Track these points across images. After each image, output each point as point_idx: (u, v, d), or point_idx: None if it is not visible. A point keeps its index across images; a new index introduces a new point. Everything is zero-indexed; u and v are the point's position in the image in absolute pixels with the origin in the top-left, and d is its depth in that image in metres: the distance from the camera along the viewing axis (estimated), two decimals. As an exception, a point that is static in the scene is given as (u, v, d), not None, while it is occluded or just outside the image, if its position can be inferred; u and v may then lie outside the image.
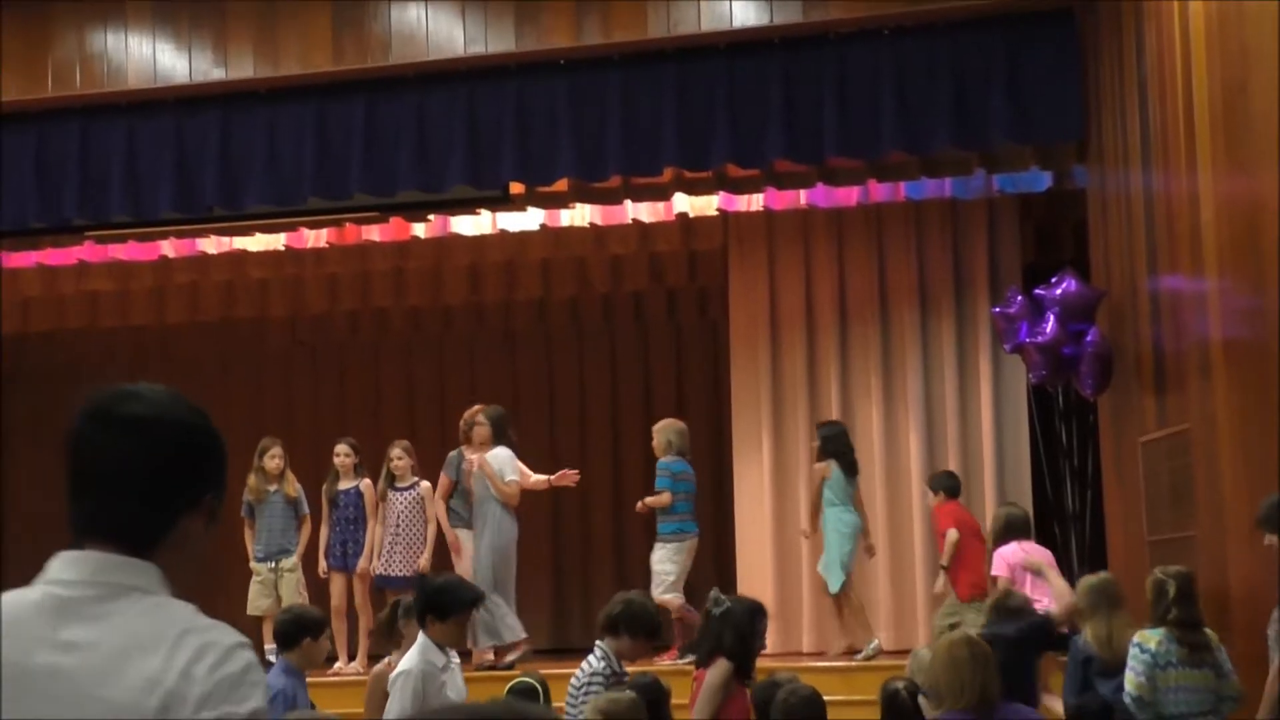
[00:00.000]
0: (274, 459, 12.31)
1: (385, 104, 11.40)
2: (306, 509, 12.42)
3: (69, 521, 2.45)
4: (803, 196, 12.68)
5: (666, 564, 11.73)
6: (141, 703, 2.29)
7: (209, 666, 2.33)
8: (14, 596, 2.40)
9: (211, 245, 13.87)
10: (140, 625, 2.36)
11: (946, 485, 11.68)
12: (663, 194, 12.63)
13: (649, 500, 11.89)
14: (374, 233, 13.63)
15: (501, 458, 11.97)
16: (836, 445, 11.86)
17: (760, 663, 10.66)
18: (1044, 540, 11.51)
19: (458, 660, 7.64)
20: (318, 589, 12.37)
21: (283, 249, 13.95)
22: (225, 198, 11.62)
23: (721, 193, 12.62)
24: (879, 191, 12.60)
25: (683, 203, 12.87)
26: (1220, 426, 8.11)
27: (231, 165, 11.55)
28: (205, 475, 2.50)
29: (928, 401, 12.79)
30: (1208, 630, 7.63)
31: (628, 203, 12.89)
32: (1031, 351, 10.80)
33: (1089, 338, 10.57)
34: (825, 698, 6.77)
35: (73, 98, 11.70)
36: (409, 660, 7.37)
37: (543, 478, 12.39)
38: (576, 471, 12.54)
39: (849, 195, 12.66)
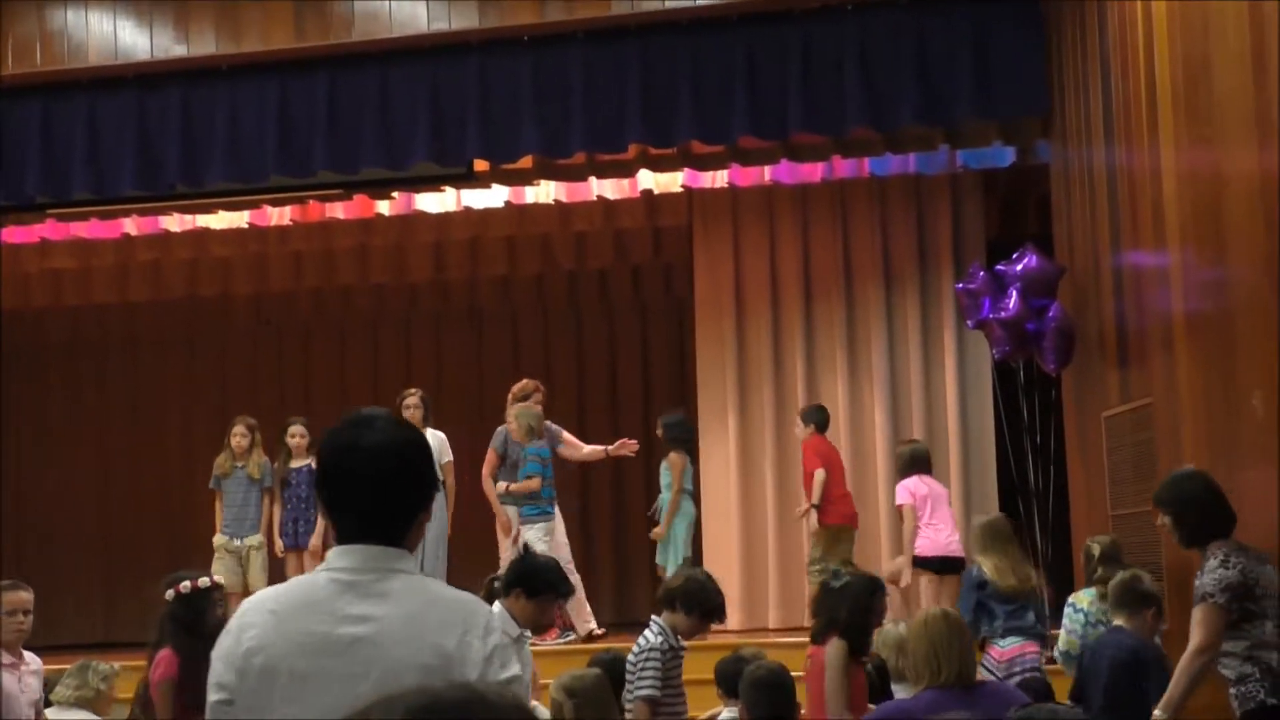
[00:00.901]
0: (238, 436, 12.29)
1: (348, 81, 11.35)
2: (269, 482, 12.39)
3: (337, 529, 3.05)
4: (767, 173, 12.69)
5: (539, 545, 11.80)
6: (429, 663, 2.87)
7: (481, 635, 2.95)
8: (303, 581, 3.06)
9: (174, 223, 13.82)
10: (415, 600, 2.97)
11: (817, 419, 11.85)
12: (627, 171, 12.61)
13: (514, 487, 11.83)
14: (338, 210, 13.59)
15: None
16: (682, 432, 12.04)
17: (725, 639, 10.76)
18: (1008, 515, 11.64)
19: (529, 633, 7.50)
20: (274, 567, 12.36)
21: (246, 226, 13.91)
22: (187, 175, 11.56)
23: (686, 169, 12.62)
24: (843, 167, 12.63)
25: (647, 179, 12.86)
26: (1182, 400, 8.15)
27: (194, 142, 11.49)
28: (429, 480, 3.11)
29: (892, 376, 12.83)
30: None
31: (592, 179, 12.88)
32: (994, 327, 10.82)
33: (1051, 313, 10.61)
34: (792, 674, 6.76)
35: (33, 75, 11.60)
36: None
37: (599, 448, 12.36)
38: (635, 441, 12.49)
39: (813, 171, 12.69)
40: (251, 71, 11.48)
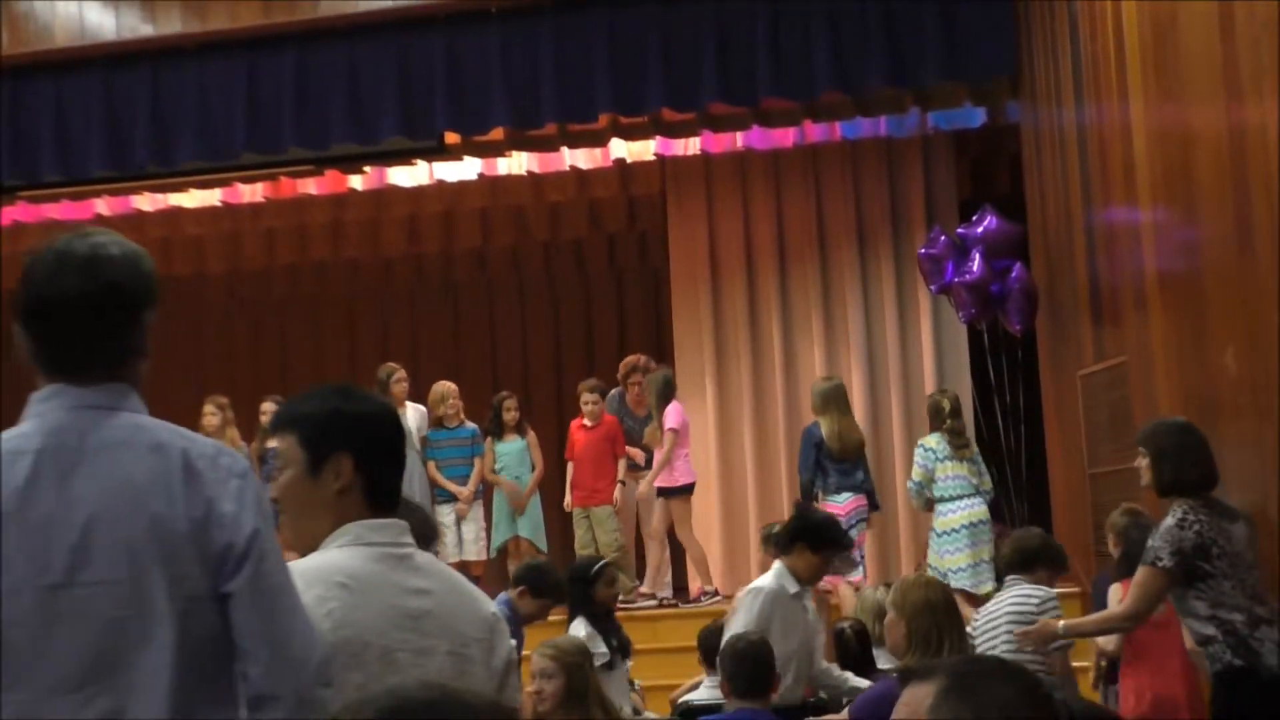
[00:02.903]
0: (208, 415, 12.19)
1: (316, 57, 11.31)
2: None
3: (371, 497, 3.05)
4: (739, 139, 12.69)
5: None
6: (479, 635, 3.07)
7: (490, 605, 3.21)
8: (354, 554, 2.98)
9: (146, 203, 13.77)
10: (444, 571, 3.18)
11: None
12: (599, 140, 12.60)
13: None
14: (310, 186, 13.57)
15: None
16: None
17: (707, 607, 10.84)
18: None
19: (810, 589, 7.49)
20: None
21: (219, 205, 13.87)
22: (157, 155, 11.51)
23: (658, 137, 12.62)
24: (815, 132, 12.63)
25: (620, 149, 12.85)
26: (1156, 358, 8.18)
27: (163, 122, 11.44)
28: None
29: (869, 340, 12.86)
30: (972, 440, 10.79)
31: (564, 150, 12.87)
32: (959, 291, 10.87)
33: (1014, 274, 10.65)
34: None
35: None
36: (765, 580, 7.24)
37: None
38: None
39: (785, 137, 12.69)
40: (219, 50, 11.43)
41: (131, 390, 2.88)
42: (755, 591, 7.17)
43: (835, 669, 7.49)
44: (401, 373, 12.09)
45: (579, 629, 7.45)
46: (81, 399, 2.81)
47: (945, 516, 10.36)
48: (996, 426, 11.71)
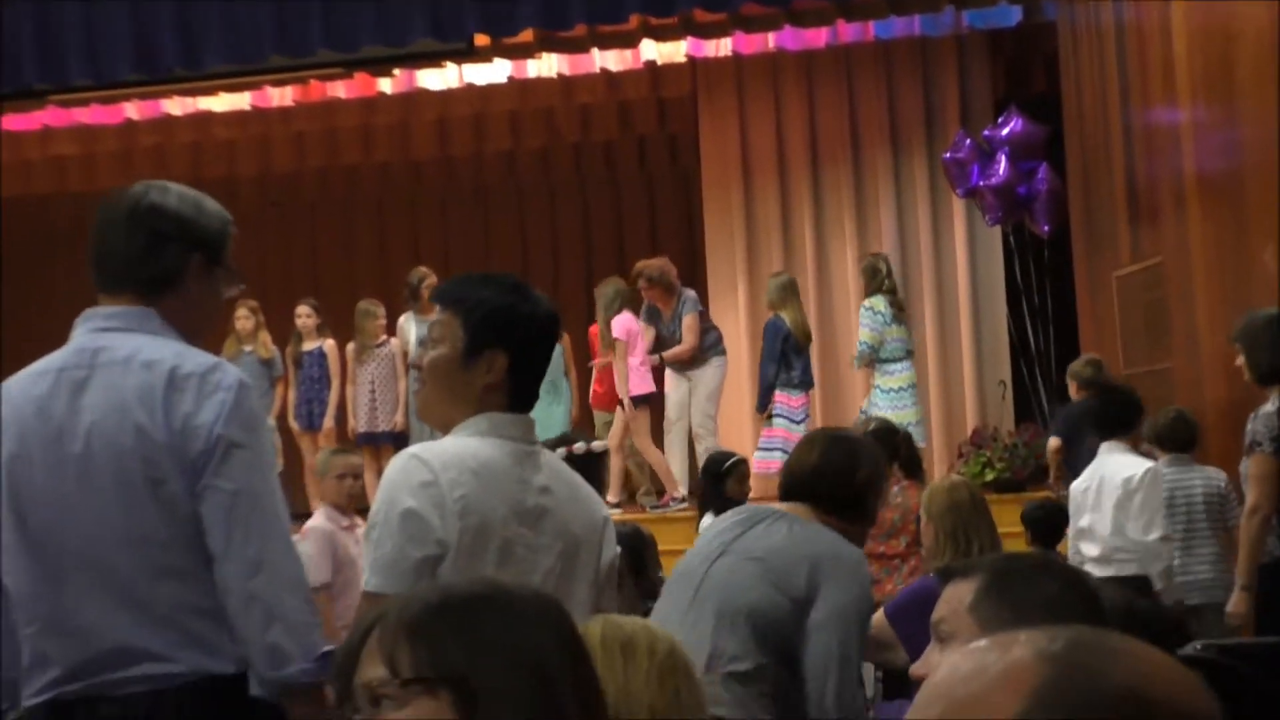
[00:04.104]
0: (242, 319, 12.16)
1: (345, -43, 11.19)
2: (281, 370, 12.35)
3: (513, 400, 3.11)
4: (771, 40, 12.57)
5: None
6: (589, 538, 3.14)
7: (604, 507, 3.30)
8: (487, 444, 3.04)
9: (176, 107, 13.73)
10: (564, 472, 3.22)
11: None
12: (629, 42, 12.49)
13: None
14: (339, 89, 13.50)
15: None
16: None
17: (676, 513, 10.87)
18: (1015, 378, 11.78)
19: None
20: (290, 449, 12.32)
21: (249, 109, 13.83)
22: (185, 58, 11.42)
23: (689, 38, 12.49)
24: (847, 32, 12.50)
25: (650, 50, 12.74)
26: (1194, 258, 8.11)
27: (190, 24, 11.34)
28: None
29: (901, 241, 12.78)
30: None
31: (594, 52, 12.77)
32: (985, 194, 10.81)
33: (1040, 175, 10.57)
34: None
35: (26, -39, 11.46)
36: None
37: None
38: None
39: (818, 37, 12.56)
40: (246, -50, 11.32)
41: (155, 316, 3.10)
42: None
43: None
44: (433, 277, 12.05)
45: (708, 523, 7.45)
46: (106, 321, 3.09)
47: (892, 375, 10.90)
48: (1025, 327, 11.68)
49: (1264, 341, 6.23)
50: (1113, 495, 6.87)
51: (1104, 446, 7.11)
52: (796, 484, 4.20)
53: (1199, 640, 4.29)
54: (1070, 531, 7.11)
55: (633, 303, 11.40)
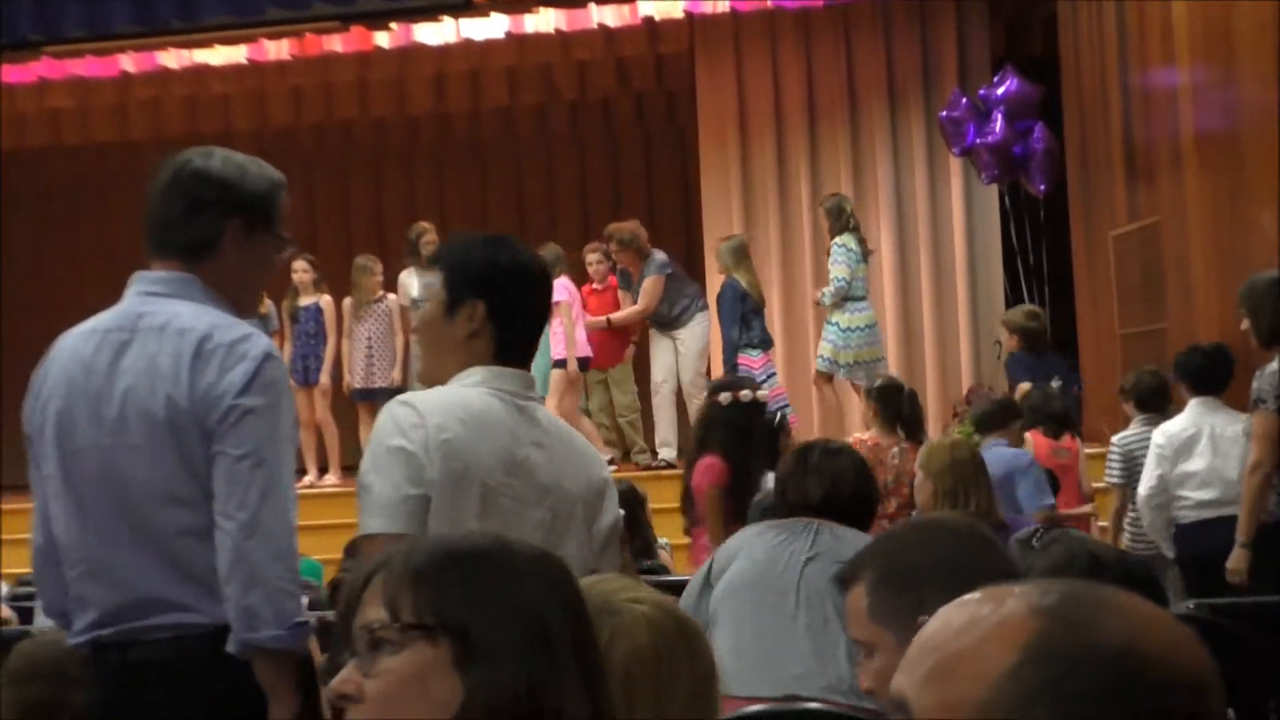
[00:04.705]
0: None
1: (342, -90, 11.16)
2: (276, 324, 12.33)
3: (500, 347, 3.12)
4: (769, -5, 12.53)
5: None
6: (586, 497, 3.13)
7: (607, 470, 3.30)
8: (480, 394, 3.06)
9: (172, 59, 13.67)
10: (562, 430, 3.23)
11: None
12: (627, -3, 12.46)
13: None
14: (336, 44, 13.44)
15: None
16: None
17: None
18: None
19: None
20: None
21: (245, 62, 13.77)
22: (182, 10, 11.39)
23: (687, -7, 12.46)
24: (846, -12, 12.47)
25: (648, 6, 12.72)
26: (1191, 218, 8.12)
27: (187, -24, 11.32)
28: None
29: (898, 199, 12.77)
30: None
31: (592, 7, 12.73)
32: (981, 153, 10.81)
33: (1036, 134, 10.57)
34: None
35: (21, -89, 11.40)
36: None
37: None
38: None
39: (816, -8, 12.53)
40: (242, -98, 11.27)
41: (197, 283, 3.21)
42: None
43: None
44: (432, 233, 12.02)
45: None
46: (151, 285, 3.23)
47: (854, 314, 10.90)
48: (1020, 287, 11.68)
49: (1267, 304, 6.26)
50: (1238, 442, 6.79)
51: (1199, 399, 7.10)
52: (833, 507, 4.43)
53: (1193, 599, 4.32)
54: (1160, 473, 7.04)
55: (571, 267, 11.51)
